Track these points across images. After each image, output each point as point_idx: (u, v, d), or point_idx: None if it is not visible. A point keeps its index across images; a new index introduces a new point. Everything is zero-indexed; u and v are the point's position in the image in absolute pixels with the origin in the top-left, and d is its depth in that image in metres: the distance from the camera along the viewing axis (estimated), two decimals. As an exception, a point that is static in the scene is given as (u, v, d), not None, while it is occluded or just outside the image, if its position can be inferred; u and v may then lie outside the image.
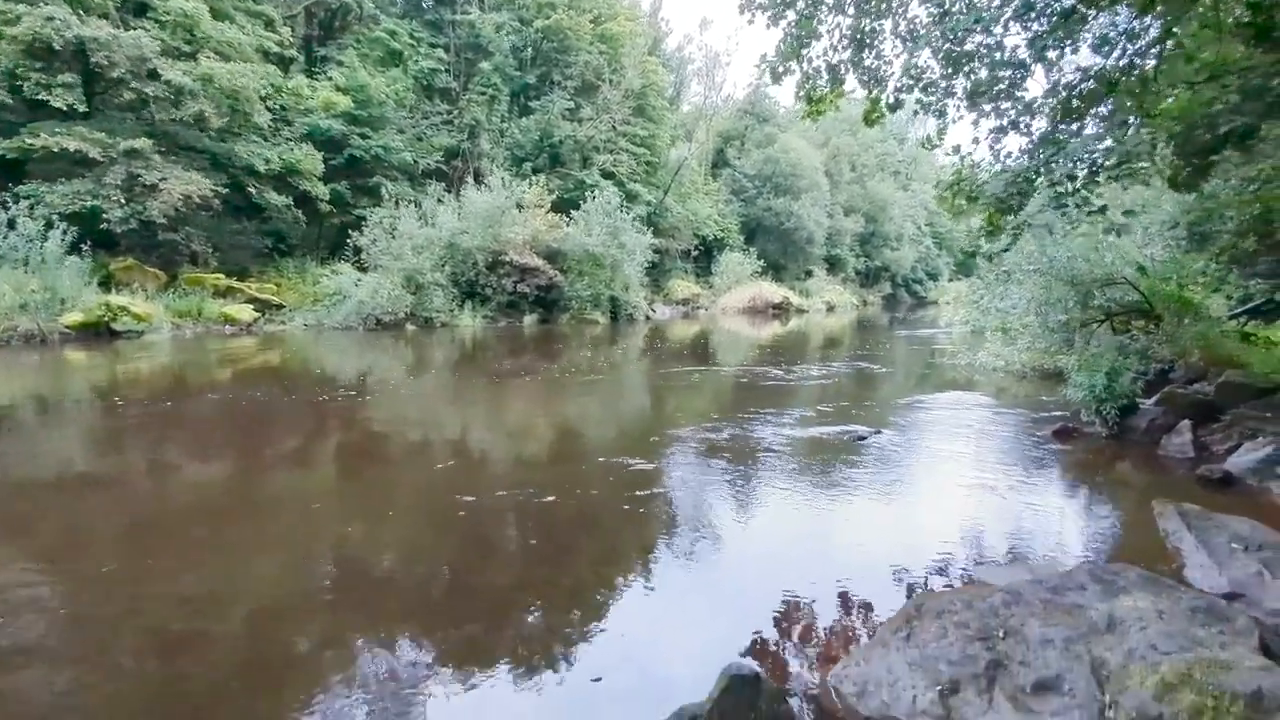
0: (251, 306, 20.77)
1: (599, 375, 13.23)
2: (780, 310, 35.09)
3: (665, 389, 12.65)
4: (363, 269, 22.72)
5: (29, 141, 17.38)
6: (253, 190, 21.94)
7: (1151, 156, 9.27)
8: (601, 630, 3.39)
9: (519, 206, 25.12)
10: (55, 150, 17.38)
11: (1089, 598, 2.50)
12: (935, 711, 2.37)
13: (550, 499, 5.28)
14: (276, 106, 23.19)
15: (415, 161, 26.46)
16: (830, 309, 39.72)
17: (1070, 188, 9.03)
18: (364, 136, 24.96)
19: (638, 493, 5.65)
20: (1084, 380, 12.55)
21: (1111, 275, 14.07)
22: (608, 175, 31.10)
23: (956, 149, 10.11)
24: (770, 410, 9.76)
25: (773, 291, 35.94)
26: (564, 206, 27.24)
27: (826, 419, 9.29)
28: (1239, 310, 13.01)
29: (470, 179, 25.74)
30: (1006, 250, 10.84)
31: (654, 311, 30.62)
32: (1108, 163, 9.20)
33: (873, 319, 34.60)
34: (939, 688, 2.42)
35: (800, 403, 10.71)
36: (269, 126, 22.40)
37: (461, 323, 23.01)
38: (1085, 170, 9.06)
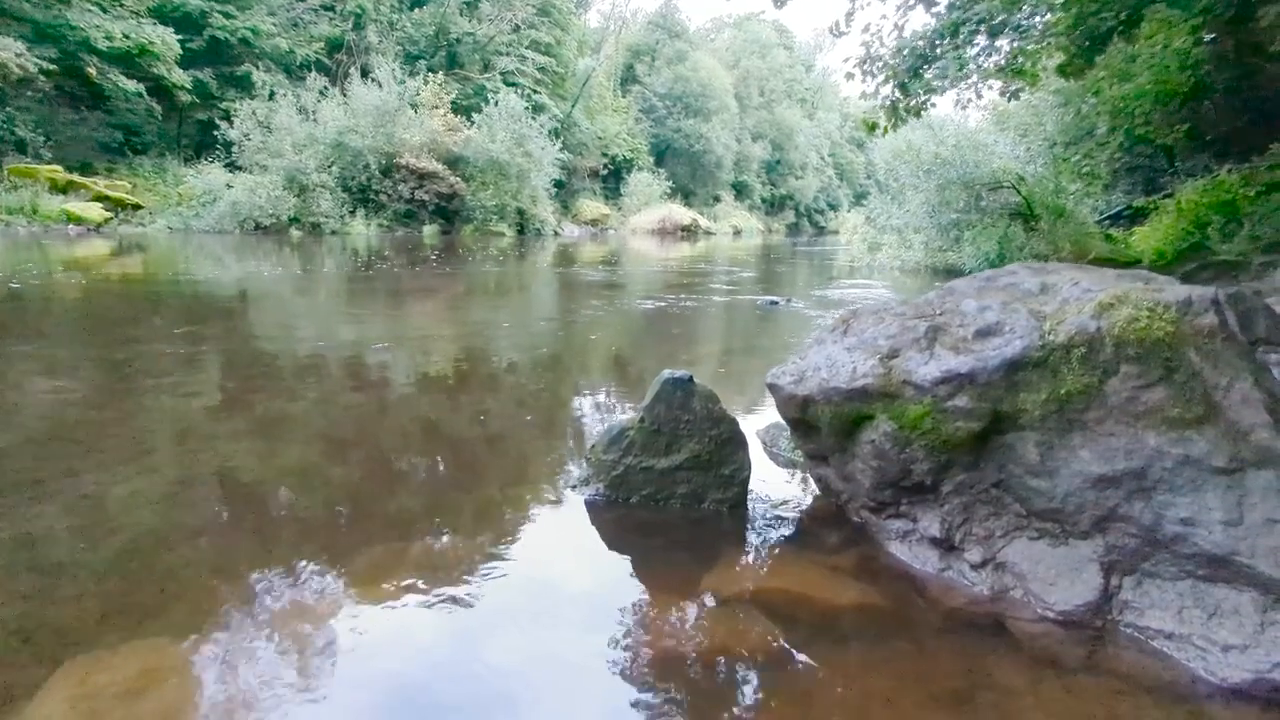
0: (101, 206, 18.15)
1: (518, 276, 12.67)
2: (689, 232, 35.06)
3: (592, 286, 12.41)
4: (236, 168, 20.33)
5: None
6: (93, 71, 18.84)
7: (1044, 42, 9.66)
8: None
9: (414, 107, 23.16)
10: None
11: (1020, 278, 2.45)
12: (876, 372, 2.26)
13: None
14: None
15: (291, 51, 23.62)
16: (737, 233, 40.18)
17: (969, 54, 9.32)
18: (227, 16, 21.88)
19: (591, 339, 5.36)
20: (977, 250, 13.30)
21: (999, 179, 14.86)
22: (511, 83, 29.22)
23: (866, 28, 10.24)
24: (699, 290, 10.45)
25: (682, 214, 35.76)
26: (464, 113, 25.38)
27: (747, 293, 9.91)
28: (1103, 216, 14.28)
29: (356, 74, 23.32)
30: (903, 124, 11.07)
31: (562, 230, 29.70)
32: (1003, 44, 9.58)
33: (778, 244, 35.38)
34: (878, 356, 2.31)
35: (723, 286, 11.30)
36: (106, -6, 19.13)
37: (354, 230, 21.25)
38: (986, 38, 9.32)
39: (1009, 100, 14.86)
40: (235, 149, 20.23)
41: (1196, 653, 1.76)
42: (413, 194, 22.56)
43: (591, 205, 34.67)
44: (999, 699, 1.67)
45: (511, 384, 4.69)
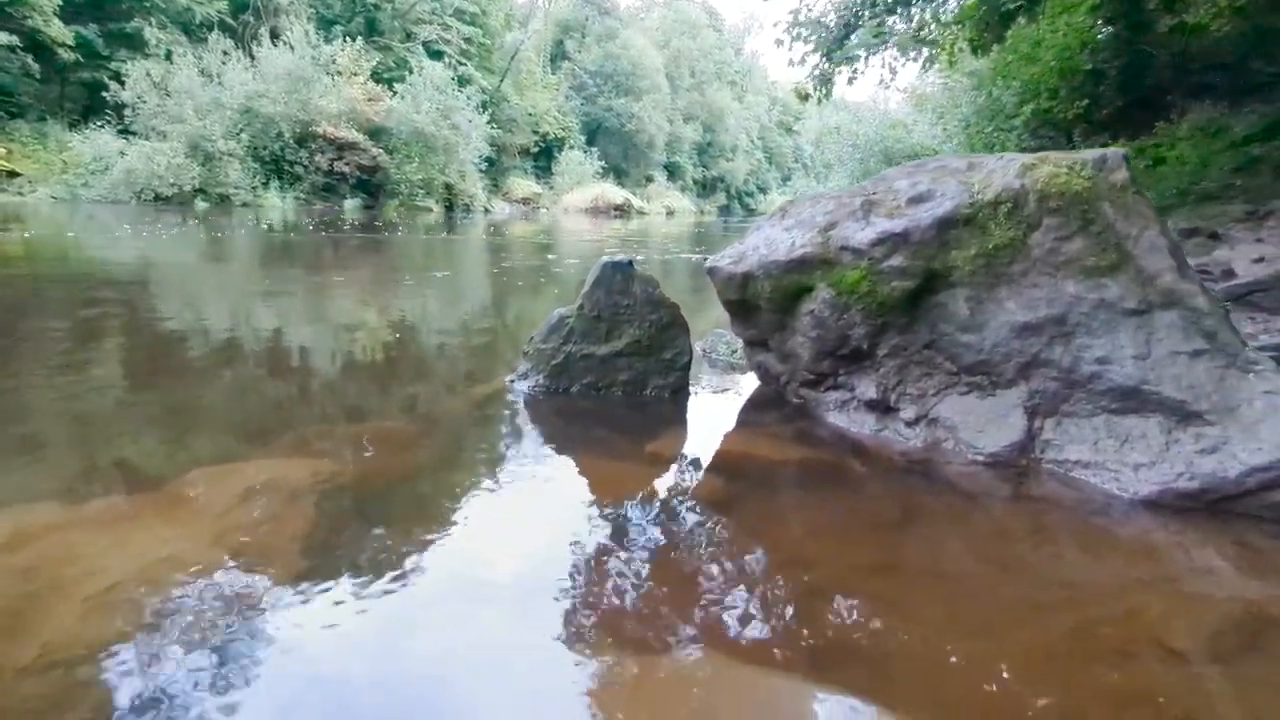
0: (-30, 172, 16.36)
1: (451, 244, 12.23)
2: (622, 211, 34.90)
3: (531, 250, 12.23)
4: (129, 134, 18.70)
5: None
6: (-48, 19, 16.85)
7: (959, 22, 10.25)
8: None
9: (331, 75, 21.93)
10: None
11: (948, 161, 2.52)
12: (814, 242, 2.28)
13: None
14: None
15: (190, 8, 21.87)
16: (670, 214, 40.32)
17: (889, 23, 9.77)
18: (114, -35, 20.02)
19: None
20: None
21: (917, 151, 15.55)
22: (435, 53, 28.13)
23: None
24: (639, 252, 10.35)
25: (615, 193, 35.53)
26: (386, 84, 24.23)
27: (684, 255, 10.11)
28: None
29: (266, 37, 21.84)
30: (830, 96, 11.36)
31: (492, 208, 28.98)
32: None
33: (710, 223, 35.82)
34: (816, 229, 2.33)
35: (659, 252, 11.32)
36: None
37: (267, 202, 19.99)
38: (903, 7, 9.78)
39: (924, 70, 15.45)
40: (128, 112, 18.60)
41: (1110, 475, 1.87)
42: (331, 165, 21.43)
43: (523, 184, 33.96)
44: (934, 524, 1.73)
45: (456, 321, 4.52)
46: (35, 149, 18.91)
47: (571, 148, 36.33)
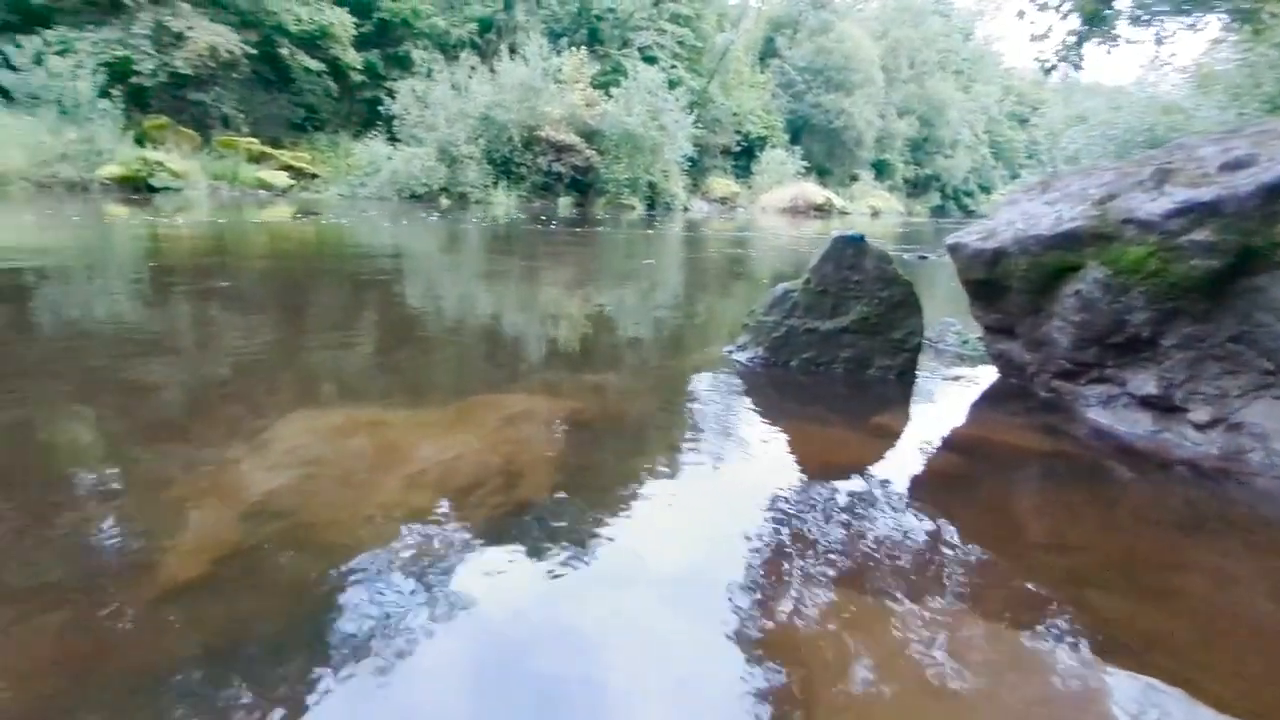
0: (286, 174, 20.51)
1: (649, 244, 12.81)
2: (822, 211, 33.70)
3: (724, 246, 12.37)
4: (395, 140, 22.14)
5: (55, -17, 16.83)
6: (285, 51, 21.21)
7: None
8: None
9: (556, 82, 23.98)
10: (82, -8, 16.83)
11: (1273, 126, 2.08)
12: (1087, 215, 2.03)
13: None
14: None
15: (448, 31, 25.25)
16: (875, 214, 38.07)
17: None
18: None
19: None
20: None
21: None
22: (649, 59, 29.42)
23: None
24: None
25: (815, 192, 34.38)
26: (601, 89, 25.91)
27: (892, 249, 9.61)
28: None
29: (505, 52, 24.49)
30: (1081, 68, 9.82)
31: (691, 206, 29.64)
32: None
33: (920, 224, 33.21)
34: (1089, 202, 2.07)
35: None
36: (297, -18, 21.40)
37: (495, 199, 22.48)
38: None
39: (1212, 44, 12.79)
40: (396, 123, 21.99)
41: None
42: (550, 166, 23.42)
43: (721, 182, 34.26)
44: (1227, 536, 1.45)
45: (668, 299, 4.75)
46: (329, 155, 23.18)
47: (773, 146, 35.83)
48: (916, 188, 48.07)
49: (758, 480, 1.66)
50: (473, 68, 23.29)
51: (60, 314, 3.09)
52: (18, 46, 15.16)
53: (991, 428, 2.04)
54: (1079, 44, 8.88)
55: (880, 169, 43.80)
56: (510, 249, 8.79)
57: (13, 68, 14.82)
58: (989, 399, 2.35)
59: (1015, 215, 2.24)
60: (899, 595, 1.16)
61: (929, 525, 1.44)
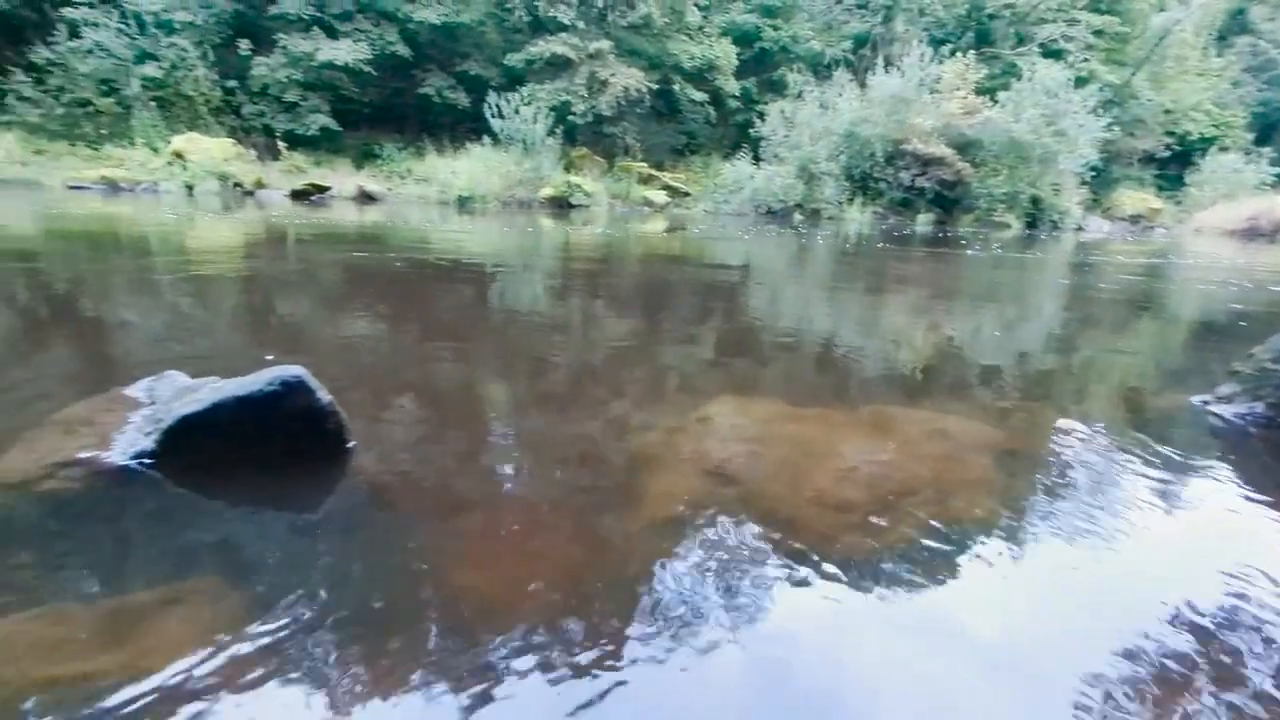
0: (665, 193, 23.48)
1: (1030, 270, 11.07)
2: (1299, 234, 24.74)
3: (1128, 275, 10.21)
4: (758, 160, 23.45)
5: (531, 50, 22.11)
6: (677, 87, 24.22)
7: None
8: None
9: (933, 91, 22.44)
10: (546, 56, 21.77)
11: None
12: None
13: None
14: (702, 3, 24.81)
15: (822, 52, 25.69)
16: (1403, 240, 26.44)
17: None
18: (775, 28, 25.12)
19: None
20: None
21: None
22: (1053, 54, 25.45)
23: None
24: None
25: (1291, 208, 25.42)
26: (987, 94, 23.31)
27: None
28: None
29: (880, 66, 23.85)
30: None
31: (1085, 226, 24.72)
32: None
33: None
34: None
35: None
36: (695, 24, 24.20)
37: (848, 216, 22.10)
38: None
39: None
40: (762, 144, 23.27)
41: None
42: (913, 181, 22.03)
43: (1135, 196, 27.81)
44: None
45: (1082, 332, 4.08)
46: (700, 175, 25.74)
47: (1225, 149, 27.67)
48: None
49: (1215, 570, 1.29)
50: (843, 85, 23.28)
51: (529, 302, 4.08)
52: (508, 102, 20.39)
53: None
54: None
55: None
56: (867, 267, 8.51)
57: (502, 116, 19.97)
58: None
59: None
60: None
61: None
